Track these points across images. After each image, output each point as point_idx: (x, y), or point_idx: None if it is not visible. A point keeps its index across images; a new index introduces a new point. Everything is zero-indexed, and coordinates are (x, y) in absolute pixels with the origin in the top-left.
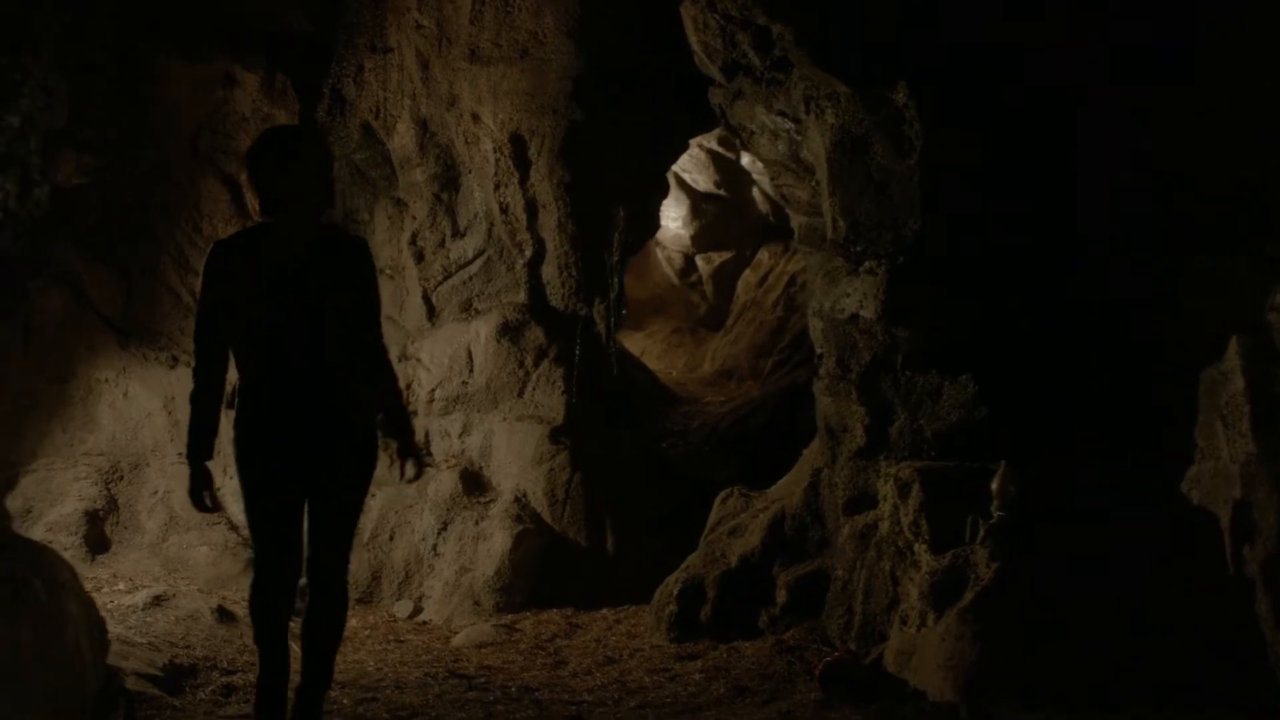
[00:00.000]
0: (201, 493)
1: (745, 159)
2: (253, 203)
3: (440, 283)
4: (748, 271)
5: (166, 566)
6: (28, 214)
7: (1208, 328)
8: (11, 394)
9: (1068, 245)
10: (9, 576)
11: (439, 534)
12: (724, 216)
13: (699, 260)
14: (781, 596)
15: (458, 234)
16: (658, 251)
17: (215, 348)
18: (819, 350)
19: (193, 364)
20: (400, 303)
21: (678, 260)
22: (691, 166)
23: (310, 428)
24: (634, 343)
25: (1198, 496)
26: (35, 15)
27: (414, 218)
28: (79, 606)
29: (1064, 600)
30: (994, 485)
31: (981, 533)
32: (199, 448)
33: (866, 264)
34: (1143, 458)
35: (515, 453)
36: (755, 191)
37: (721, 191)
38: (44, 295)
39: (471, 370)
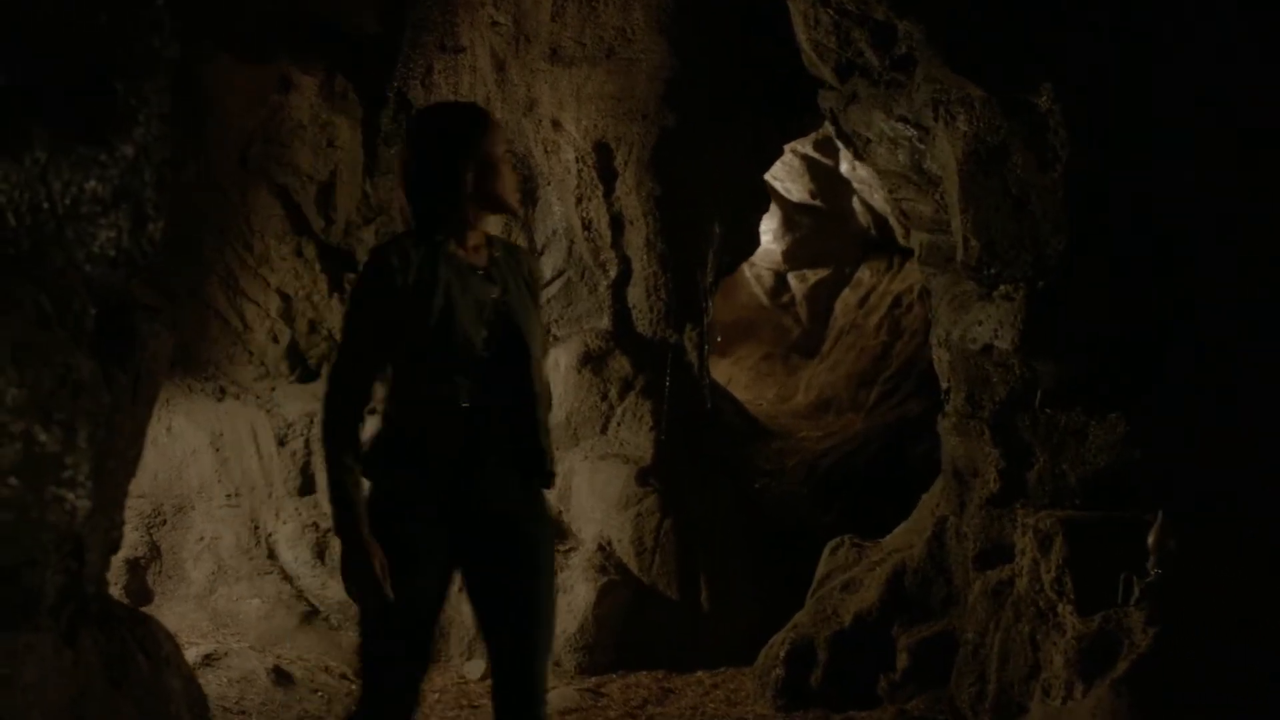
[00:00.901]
0: (373, 578)
1: (844, 166)
2: (401, 198)
3: None
4: (846, 291)
5: (215, 620)
6: (141, 252)
7: None
8: (121, 449)
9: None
10: (111, 651)
11: None
12: (820, 230)
13: (792, 278)
14: (903, 661)
15: (535, 252)
16: (745, 269)
17: (365, 384)
18: (945, 384)
19: (330, 406)
20: None
21: (768, 278)
22: (784, 174)
23: (500, 481)
24: (720, 370)
25: None
26: (154, 36)
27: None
28: (181, 682)
29: (1233, 670)
30: (1150, 539)
31: (1136, 592)
32: (356, 514)
33: (1002, 288)
34: None
35: (598, 495)
36: (855, 202)
37: (817, 202)
38: (158, 340)
39: (550, 404)
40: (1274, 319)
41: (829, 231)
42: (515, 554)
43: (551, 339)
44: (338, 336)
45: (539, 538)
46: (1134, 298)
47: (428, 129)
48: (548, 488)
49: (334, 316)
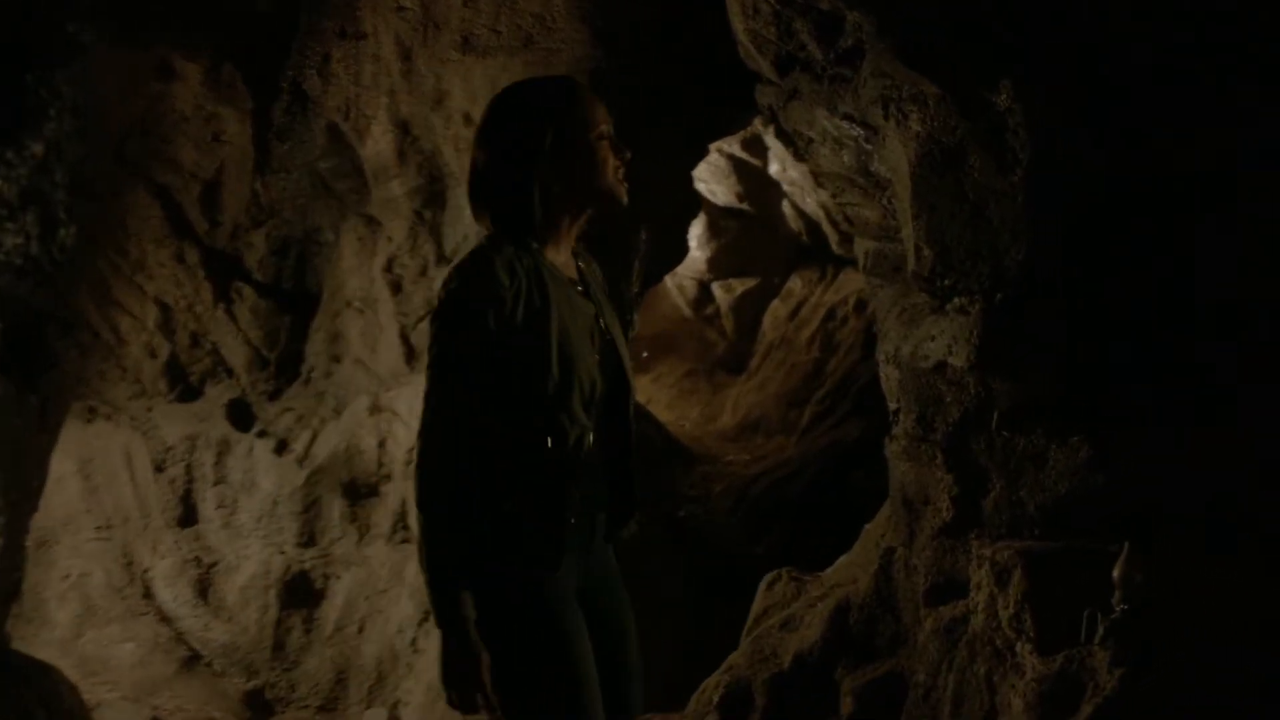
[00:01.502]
0: (479, 668)
1: (774, 167)
2: (507, 203)
3: (422, 319)
4: (776, 302)
5: (83, 668)
6: (51, 260)
7: None
8: (27, 480)
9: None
10: (9, 706)
11: (420, 625)
12: (747, 236)
13: (716, 288)
14: (848, 705)
15: (443, 259)
16: (667, 278)
17: (479, 437)
18: (893, 404)
19: (441, 466)
20: (372, 343)
21: (691, 288)
22: (709, 175)
23: (604, 538)
24: (639, 388)
25: None
26: (70, 19)
27: (390, 239)
28: None
29: (1204, 714)
30: (1116, 572)
31: (1101, 630)
32: (466, 612)
33: (956, 301)
34: None
35: None
36: (785, 206)
37: (745, 206)
38: (69, 358)
39: None
40: (1255, 336)
41: (757, 238)
42: (617, 618)
43: None
44: (431, 371)
45: (625, 599)
46: (1099, 312)
47: (506, 107)
48: (622, 540)
49: (219, 329)
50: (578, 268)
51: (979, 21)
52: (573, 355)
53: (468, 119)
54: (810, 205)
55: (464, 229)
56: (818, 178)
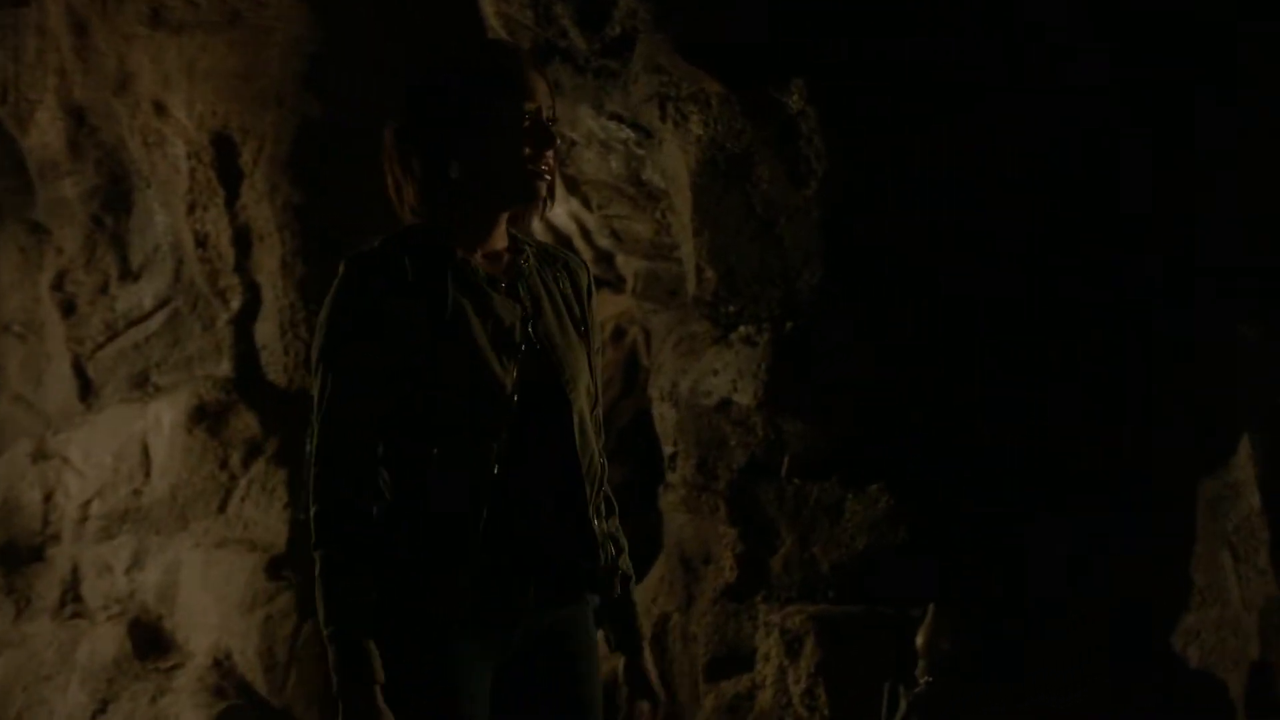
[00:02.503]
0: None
1: None
2: (410, 189)
3: (101, 346)
4: None
5: None
6: None
7: (1207, 423)
8: None
9: (1016, 308)
10: None
11: (95, 718)
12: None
13: None
14: None
15: (129, 275)
16: None
17: (370, 461)
18: (669, 448)
19: (327, 500)
20: (37, 375)
21: None
22: None
23: (543, 583)
24: None
25: (1197, 656)
26: None
27: (60, 251)
28: None
29: None
30: (919, 639)
31: (903, 706)
32: (371, 667)
33: (742, 330)
34: None
35: (214, 594)
36: (532, 218)
37: None
38: None
39: (148, 474)
40: (1073, 369)
41: None
42: (558, 678)
43: (151, 389)
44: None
45: (581, 653)
46: (900, 343)
47: (419, 86)
48: (611, 591)
49: None
50: (518, 266)
51: (770, 10)
52: (469, 365)
53: (160, 108)
54: (560, 216)
55: (155, 238)
56: (579, 186)
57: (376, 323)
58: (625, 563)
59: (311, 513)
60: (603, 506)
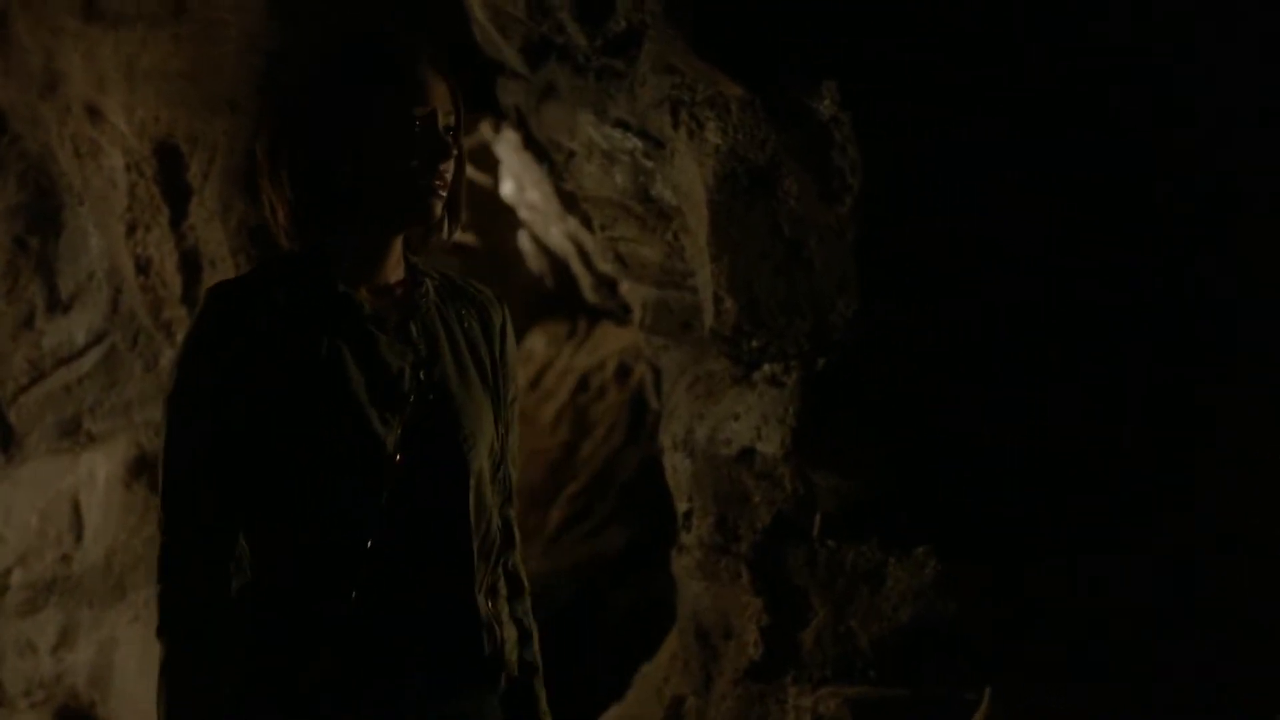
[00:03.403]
0: None
1: (507, 188)
2: (283, 210)
3: (25, 389)
4: None
5: None
6: None
7: None
8: None
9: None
10: None
11: None
12: (473, 278)
13: None
14: None
15: (58, 307)
16: None
17: (225, 529)
18: (683, 505)
19: (176, 574)
20: None
21: None
22: None
23: (422, 682)
24: None
25: None
26: None
27: None
28: None
29: None
30: None
31: None
32: None
33: (767, 368)
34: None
35: (155, 677)
36: (523, 239)
37: (467, 238)
38: None
39: (79, 537)
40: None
41: (484, 281)
42: None
43: (84, 438)
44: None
45: None
46: (949, 384)
47: (286, 86)
48: (498, 683)
49: None
50: (414, 302)
51: (798, 2)
52: (342, 424)
53: (94, 113)
54: (556, 237)
55: (89, 263)
56: (579, 203)
57: (234, 367)
58: (531, 652)
59: (156, 592)
60: (501, 585)
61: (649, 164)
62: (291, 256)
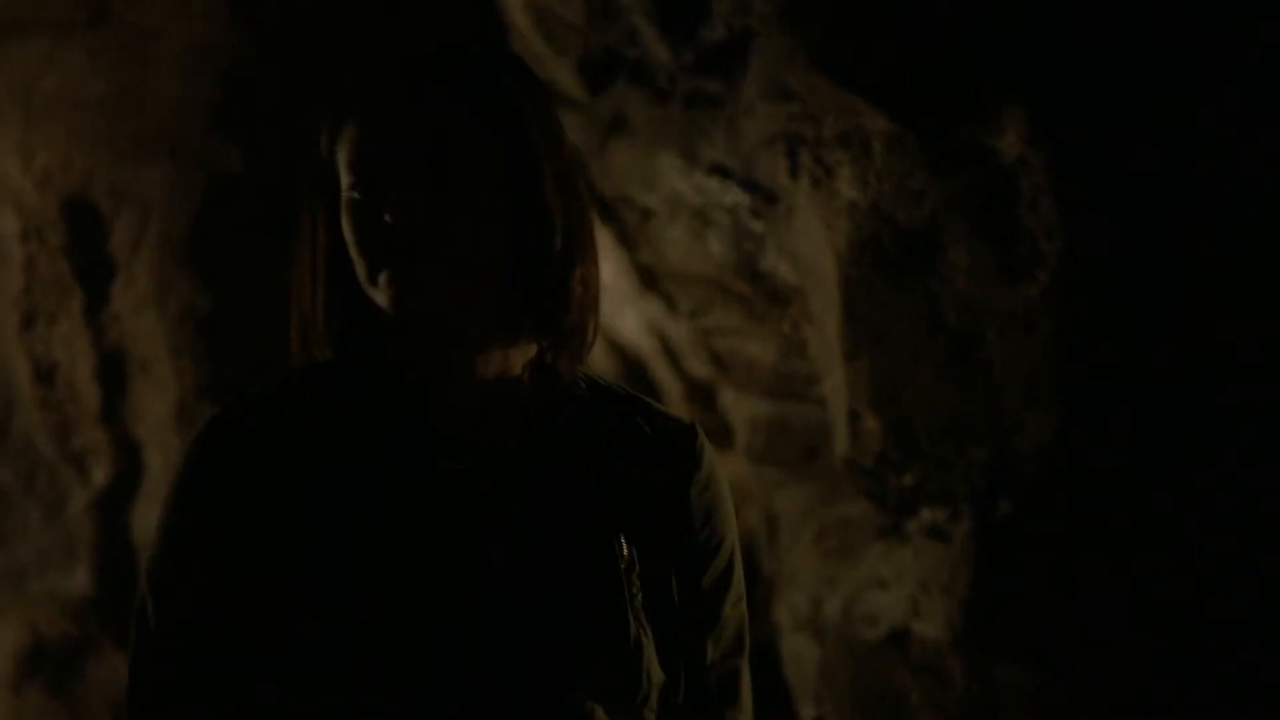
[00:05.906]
0: None
1: None
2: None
3: None
4: None
5: None
6: None
7: None
8: None
9: None
10: None
11: None
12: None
13: None
14: None
15: None
16: None
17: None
18: (809, 712)
19: None
20: None
21: None
22: None
23: None
24: None
25: None
26: None
27: None
28: None
29: None
30: None
31: None
32: None
33: (926, 513)
34: None
35: None
36: None
37: None
38: None
39: None
40: None
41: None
42: None
43: None
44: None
45: None
46: (1179, 540)
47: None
48: None
49: None
50: (526, 428)
51: (965, 13)
52: (377, 596)
53: None
54: (628, 329)
55: None
56: (660, 281)
57: (227, 516)
58: None
59: None
60: None
61: (757, 226)
62: (327, 370)
